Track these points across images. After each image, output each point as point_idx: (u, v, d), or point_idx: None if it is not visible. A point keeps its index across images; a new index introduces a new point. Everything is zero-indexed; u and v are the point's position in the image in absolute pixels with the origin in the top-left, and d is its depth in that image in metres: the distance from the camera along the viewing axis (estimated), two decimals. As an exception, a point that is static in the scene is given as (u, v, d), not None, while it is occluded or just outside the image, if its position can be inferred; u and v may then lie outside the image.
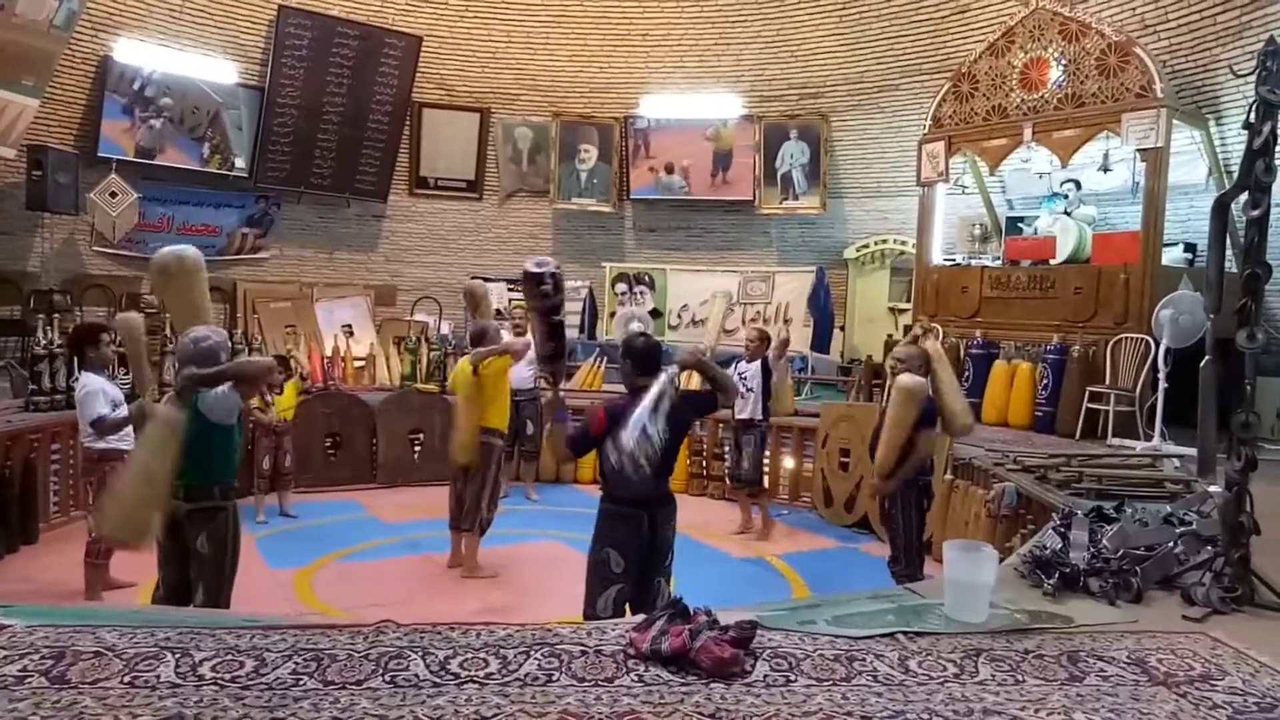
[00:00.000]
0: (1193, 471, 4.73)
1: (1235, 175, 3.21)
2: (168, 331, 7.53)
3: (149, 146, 9.57)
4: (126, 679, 2.22)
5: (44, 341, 6.92)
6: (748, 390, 7.11)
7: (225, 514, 3.70)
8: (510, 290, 11.24)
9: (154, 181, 9.66)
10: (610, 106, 11.26)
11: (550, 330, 3.98)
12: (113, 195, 9.01)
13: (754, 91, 10.89)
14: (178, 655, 2.36)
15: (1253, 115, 3.05)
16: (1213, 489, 3.78)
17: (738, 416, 7.22)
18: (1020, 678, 2.38)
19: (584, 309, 10.82)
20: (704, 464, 8.64)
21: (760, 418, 7.11)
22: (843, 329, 10.75)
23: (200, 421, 3.58)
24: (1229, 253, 3.33)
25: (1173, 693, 2.32)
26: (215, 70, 9.73)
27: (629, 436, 3.34)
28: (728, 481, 8.18)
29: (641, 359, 3.80)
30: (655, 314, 10.91)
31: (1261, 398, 4.68)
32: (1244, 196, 3.13)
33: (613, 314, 10.88)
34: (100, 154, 9.21)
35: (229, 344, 3.88)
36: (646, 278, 11.18)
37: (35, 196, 8.52)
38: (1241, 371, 3.18)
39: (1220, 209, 3.33)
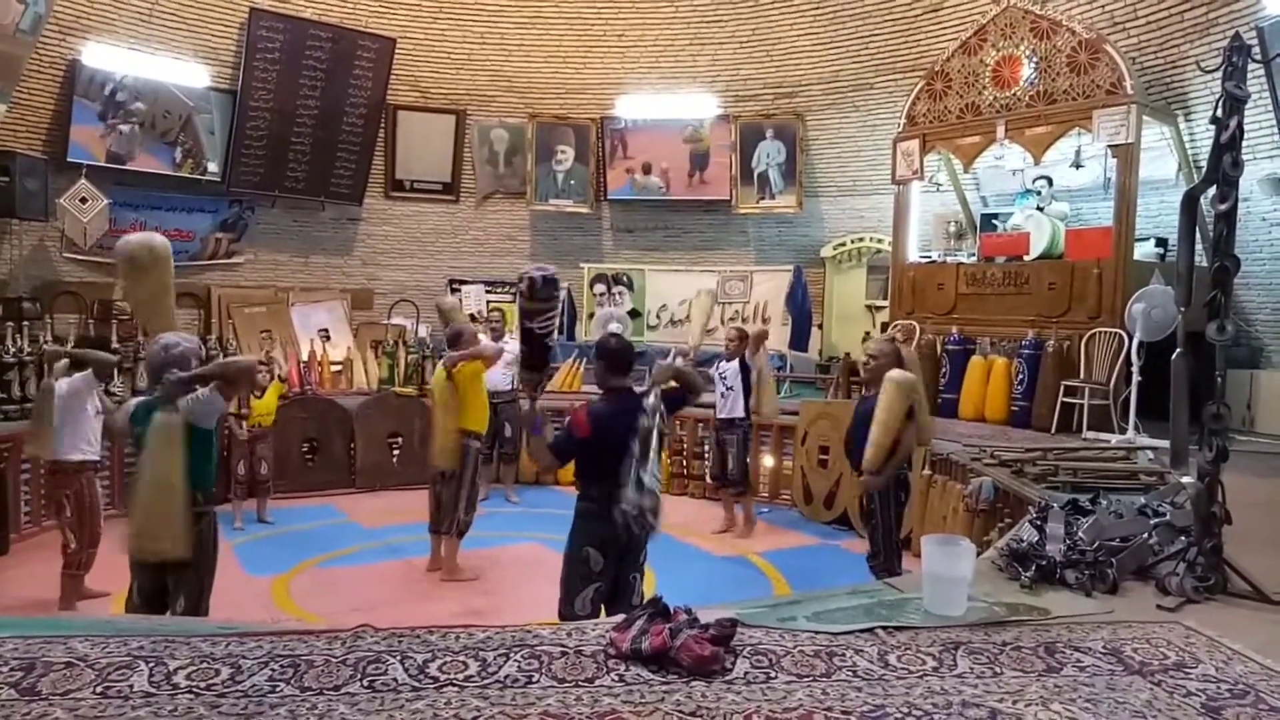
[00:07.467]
0: (1166, 463, 4.78)
1: (1204, 170, 3.25)
2: (140, 337, 7.47)
3: (120, 152, 9.44)
4: (99, 689, 2.18)
5: (13, 350, 6.82)
6: (728, 389, 7.10)
7: (207, 519, 3.68)
8: (488, 292, 11.22)
9: (125, 187, 9.52)
10: (586, 107, 11.23)
11: (525, 336, 3.97)
12: (83, 201, 8.87)
13: (730, 91, 10.90)
14: (151, 664, 2.33)
15: (1219, 110, 3.09)
16: (1185, 480, 3.82)
17: (719, 416, 7.22)
18: (998, 670, 2.40)
19: (562, 310, 10.78)
20: (684, 463, 8.66)
21: (742, 416, 7.10)
22: (820, 327, 10.79)
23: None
24: (1198, 246, 3.36)
25: (1148, 681, 2.34)
26: (186, 74, 9.61)
27: (629, 496, 3.38)
28: (708, 480, 8.18)
29: (613, 359, 3.88)
30: (634, 314, 10.91)
31: (1231, 389, 4.73)
32: (1212, 190, 3.17)
33: (591, 315, 10.86)
34: (70, 159, 9.05)
35: (201, 350, 3.86)
36: (625, 278, 11.17)
37: (3, 203, 8.34)
38: (1212, 364, 3.22)
39: (1189, 203, 3.37)
